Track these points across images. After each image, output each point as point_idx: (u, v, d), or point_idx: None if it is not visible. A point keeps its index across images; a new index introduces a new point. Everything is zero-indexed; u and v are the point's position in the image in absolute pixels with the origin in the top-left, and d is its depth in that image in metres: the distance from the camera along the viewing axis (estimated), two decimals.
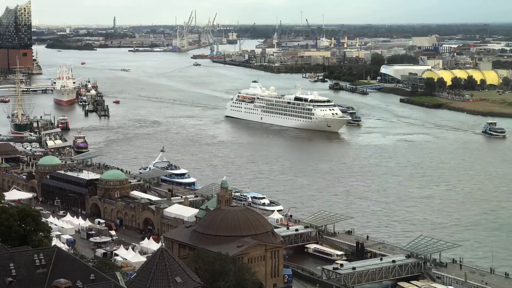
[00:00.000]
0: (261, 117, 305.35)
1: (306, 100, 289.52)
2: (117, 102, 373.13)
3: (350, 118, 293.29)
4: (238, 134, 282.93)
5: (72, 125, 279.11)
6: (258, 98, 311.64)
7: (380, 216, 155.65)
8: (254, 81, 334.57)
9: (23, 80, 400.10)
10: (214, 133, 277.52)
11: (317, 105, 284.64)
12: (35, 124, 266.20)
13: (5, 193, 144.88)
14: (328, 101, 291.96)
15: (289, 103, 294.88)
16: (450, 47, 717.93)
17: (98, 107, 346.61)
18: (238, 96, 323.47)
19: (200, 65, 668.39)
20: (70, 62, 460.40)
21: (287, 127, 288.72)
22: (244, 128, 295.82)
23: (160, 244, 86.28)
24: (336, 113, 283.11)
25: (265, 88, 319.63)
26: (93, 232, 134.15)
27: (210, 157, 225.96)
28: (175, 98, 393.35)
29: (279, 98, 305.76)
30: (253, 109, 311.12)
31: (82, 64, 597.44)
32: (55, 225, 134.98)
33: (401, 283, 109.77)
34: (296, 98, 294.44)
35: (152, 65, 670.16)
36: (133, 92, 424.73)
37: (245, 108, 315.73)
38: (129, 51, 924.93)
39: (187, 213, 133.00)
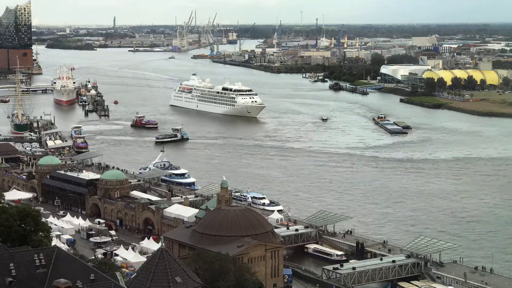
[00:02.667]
0: (197, 105, 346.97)
1: (231, 89, 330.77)
2: (116, 103, 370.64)
3: (266, 105, 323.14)
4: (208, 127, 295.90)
5: (72, 125, 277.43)
6: (195, 88, 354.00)
7: (380, 216, 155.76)
8: (193, 74, 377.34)
9: (23, 80, 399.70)
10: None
11: (239, 94, 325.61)
12: (35, 124, 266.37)
13: (5, 193, 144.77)
14: (249, 90, 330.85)
15: (218, 92, 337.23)
16: (450, 47, 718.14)
17: (98, 107, 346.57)
18: (180, 87, 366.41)
19: (174, 57, 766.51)
20: (70, 62, 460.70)
21: (216, 113, 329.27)
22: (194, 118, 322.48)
23: (160, 244, 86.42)
24: (255, 101, 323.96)
25: (202, 80, 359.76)
26: (93, 232, 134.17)
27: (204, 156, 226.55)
28: None
29: (211, 88, 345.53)
30: (191, 99, 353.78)
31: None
32: (55, 225, 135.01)
33: (401, 283, 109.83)
34: (224, 88, 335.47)
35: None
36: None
37: (185, 97, 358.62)
38: (129, 51, 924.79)
39: (187, 213, 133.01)
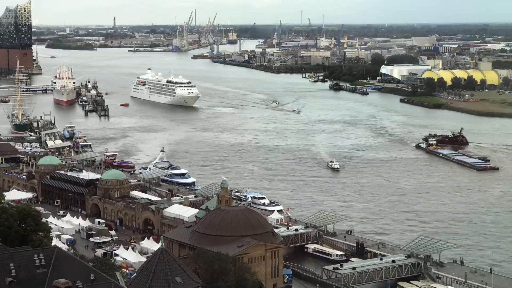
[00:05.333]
0: (149, 96, 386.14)
1: (172, 82, 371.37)
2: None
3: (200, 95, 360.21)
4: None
5: (71, 125, 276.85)
6: (148, 81, 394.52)
7: (380, 215, 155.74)
8: (149, 68, 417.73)
9: (23, 80, 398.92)
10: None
11: (178, 86, 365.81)
12: (35, 124, 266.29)
13: (5, 193, 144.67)
14: (188, 82, 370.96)
15: (163, 85, 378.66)
16: (450, 47, 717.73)
17: (98, 107, 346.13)
18: (137, 80, 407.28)
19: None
20: (70, 62, 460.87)
21: (161, 103, 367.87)
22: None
23: (160, 244, 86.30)
24: (192, 92, 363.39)
25: (155, 74, 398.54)
26: (93, 232, 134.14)
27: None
28: None
29: (159, 81, 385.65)
30: (144, 90, 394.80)
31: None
32: (55, 225, 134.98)
33: (401, 283, 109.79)
34: (168, 81, 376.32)
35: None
36: None
37: (140, 89, 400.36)
38: (129, 51, 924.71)
39: (187, 213, 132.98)
